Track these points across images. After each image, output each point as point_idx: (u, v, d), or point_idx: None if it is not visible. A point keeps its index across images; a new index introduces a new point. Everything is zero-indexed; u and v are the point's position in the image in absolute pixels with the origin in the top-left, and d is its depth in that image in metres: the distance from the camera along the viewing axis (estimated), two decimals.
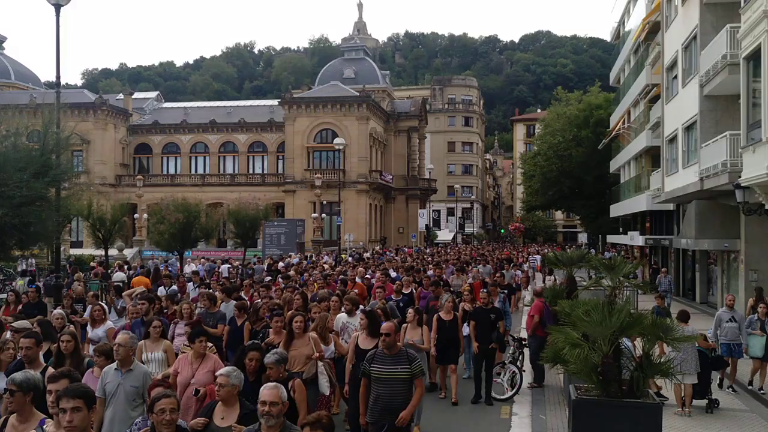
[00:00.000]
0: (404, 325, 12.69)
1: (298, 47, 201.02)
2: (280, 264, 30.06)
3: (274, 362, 8.21)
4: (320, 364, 10.20)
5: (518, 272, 30.29)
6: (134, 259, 40.36)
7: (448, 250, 54.94)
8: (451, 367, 13.88)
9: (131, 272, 27.78)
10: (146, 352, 10.13)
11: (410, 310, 13.01)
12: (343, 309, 12.92)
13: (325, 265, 29.50)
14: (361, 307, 13.74)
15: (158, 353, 10.16)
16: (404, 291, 17.60)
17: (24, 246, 19.68)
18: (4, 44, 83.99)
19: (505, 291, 19.45)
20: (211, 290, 16.45)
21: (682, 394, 13.26)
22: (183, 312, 12.81)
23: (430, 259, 36.01)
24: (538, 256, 30.33)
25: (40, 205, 17.98)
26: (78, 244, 52.91)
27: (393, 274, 24.23)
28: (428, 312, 15.15)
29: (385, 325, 8.86)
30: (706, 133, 25.42)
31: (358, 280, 21.52)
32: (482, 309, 14.23)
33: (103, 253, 35.14)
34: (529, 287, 31.15)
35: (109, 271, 30.40)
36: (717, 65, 23.20)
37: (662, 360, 9.56)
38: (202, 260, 36.10)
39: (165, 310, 14.44)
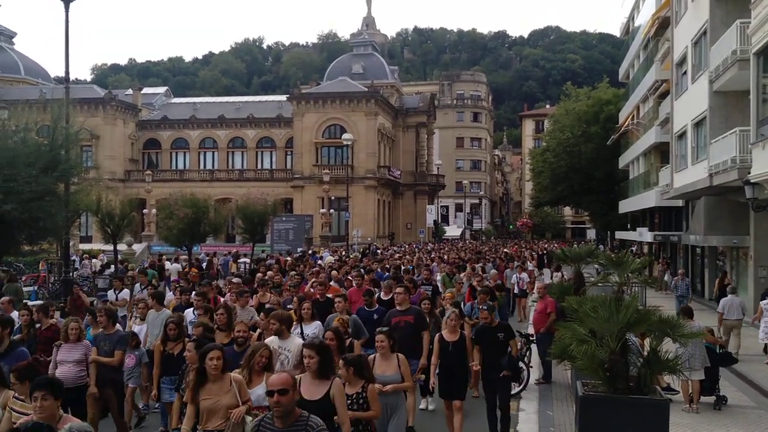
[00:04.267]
0: (371, 356, 8.86)
1: (306, 43, 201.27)
2: (288, 259, 29.94)
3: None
4: (249, 420, 7.10)
5: (524, 275, 25.78)
6: (143, 254, 40.47)
7: (435, 246, 53.14)
8: (455, 404, 10.70)
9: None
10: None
11: (380, 335, 8.95)
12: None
13: (320, 263, 28.07)
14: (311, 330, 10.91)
15: None
16: (383, 297, 14.01)
17: (33, 241, 19.76)
18: (14, 39, 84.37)
19: (502, 293, 17.04)
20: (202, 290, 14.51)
21: (690, 391, 13.23)
22: (69, 332, 10.29)
23: (433, 255, 35.05)
24: (525, 275, 26.05)
25: (49, 200, 18.04)
26: (87, 239, 53.13)
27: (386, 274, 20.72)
28: (413, 328, 11.59)
29: (275, 379, 5.86)
30: (715, 129, 25.32)
31: (333, 283, 17.36)
32: (487, 327, 11.22)
33: (112, 248, 35.23)
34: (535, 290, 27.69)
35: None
36: (727, 61, 23.09)
37: (669, 356, 9.54)
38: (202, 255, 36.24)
39: (37, 326, 11.58)
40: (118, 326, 12.29)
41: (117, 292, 17.60)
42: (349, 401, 7.41)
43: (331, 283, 17.42)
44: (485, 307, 11.47)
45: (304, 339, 10.16)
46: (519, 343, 14.98)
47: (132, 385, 11.19)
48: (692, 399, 13.21)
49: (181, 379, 8.66)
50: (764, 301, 17.92)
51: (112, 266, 30.88)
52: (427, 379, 11.97)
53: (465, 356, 10.78)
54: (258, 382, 7.82)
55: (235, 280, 18.12)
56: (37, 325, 11.67)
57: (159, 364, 10.34)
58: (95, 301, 16.40)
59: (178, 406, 8.57)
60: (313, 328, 10.89)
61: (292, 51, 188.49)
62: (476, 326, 11.95)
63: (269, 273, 20.05)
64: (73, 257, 32.37)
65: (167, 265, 30.87)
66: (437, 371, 10.92)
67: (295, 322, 11.04)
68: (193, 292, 14.23)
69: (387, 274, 20.73)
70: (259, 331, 10.78)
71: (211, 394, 7.29)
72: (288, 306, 12.68)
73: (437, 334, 10.95)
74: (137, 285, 18.73)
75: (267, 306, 12.73)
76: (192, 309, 12.87)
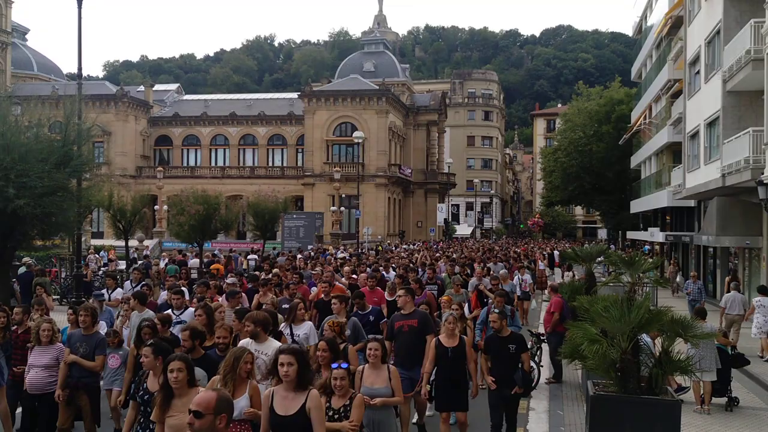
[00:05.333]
0: (359, 367, 8.35)
1: (318, 40, 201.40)
2: (299, 257, 29.88)
3: None
4: None
5: (526, 276, 24.46)
6: (155, 250, 40.59)
7: (442, 245, 52.02)
8: (459, 417, 9.94)
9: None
10: None
11: (373, 342, 8.29)
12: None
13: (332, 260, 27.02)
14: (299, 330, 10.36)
15: None
16: (388, 298, 13.94)
17: (45, 236, 19.85)
18: (26, 36, 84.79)
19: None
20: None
21: (701, 392, 13.17)
22: (41, 333, 9.77)
23: (438, 255, 33.69)
24: (527, 276, 24.77)
25: (61, 196, 18.09)
26: (99, 235, 53.33)
27: (392, 273, 20.12)
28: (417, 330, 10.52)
29: (197, 398, 4.92)
30: (728, 129, 25.19)
31: (343, 280, 17.29)
32: (497, 337, 10.18)
33: (123, 244, 35.38)
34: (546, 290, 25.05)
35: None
36: (740, 60, 22.95)
37: (681, 357, 9.49)
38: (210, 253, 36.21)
39: (12, 328, 10.86)
40: (102, 324, 11.91)
41: (110, 291, 16.51)
42: (336, 416, 6.89)
43: (343, 279, 17.14)
44: (497, 311, 10.42)
45: (294, 340, 9.84)
46: (530, 342, 14.92)
47: (117, 389, 10.29)
48: (704, 400, 13.15)
49: (136, 386, 7.82)
50: (756, 298, 18.43)
51: (122, 263, 30.88)
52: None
53: (465, 363, 9.75)
54: (241, 392, 7.13)
55: (229, 280, 17.27)
56: (13, 327, 10.90)
57: (131, 369, 9.52)
58: (92, 300, 15.32)
59: (131, 419, 7.67)
60: (304, 330, 10.33)
61: (304, 49, 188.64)
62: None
63: (274, 271, 19.27)
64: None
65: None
66: (432, 379, 9.87)
67: (284, 323, 10.54)
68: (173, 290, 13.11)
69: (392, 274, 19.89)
70: (233, 334, 9.63)
71: (176, 411, 6.28)
72: (284, 306, 11.87)
73: (434, 339, 9.91)
74: (127, 283, 17.99)
75: (264, 306, 12.02)
76: (171, 309, 12.05)
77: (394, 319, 10.81)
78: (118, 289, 16.63)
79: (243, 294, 14.05)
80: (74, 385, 9.68)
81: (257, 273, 19.31)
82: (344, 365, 7.04)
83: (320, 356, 7.67)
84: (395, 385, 8.12)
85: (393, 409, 8.32)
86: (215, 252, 36.23)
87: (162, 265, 27.96)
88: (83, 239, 28.19)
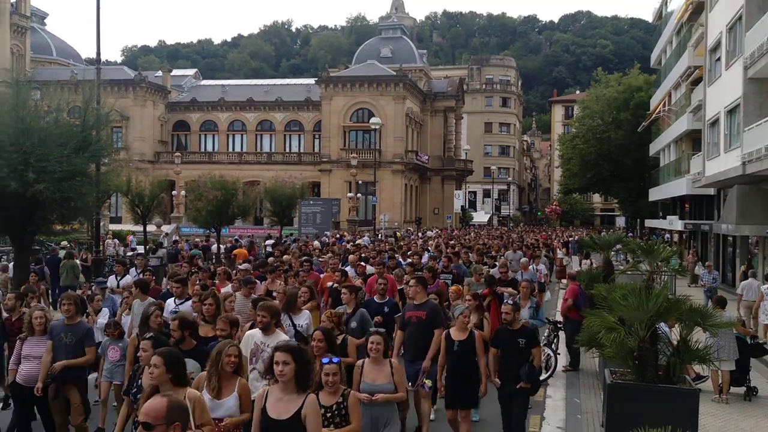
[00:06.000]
0: (359, 362, 7.86)
1: (335, 26, 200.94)
2: (316, 243, 29.85)
3: None
4: None
5: (541, 266, 22.77)
6: (172, 235, 40.84)
7: (458, 233, 51.03)
8: (461, 413, 9.26)
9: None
10: None
11: (376, 335, 7.77)
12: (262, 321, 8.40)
13: (347, 246, 26.49)
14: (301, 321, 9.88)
15: None
16: (398, 286, 13.52)
17: (65, 220, 20.00)
18: (45, 20, 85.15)
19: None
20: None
21: (720, 381, 13.10)
22: (34, 322, 9.24)
23: (453, 242, 31.66)
24: (542, 266, 23.05)
25: (80, 180, 18.22)
26: (117, 220, 53.77)
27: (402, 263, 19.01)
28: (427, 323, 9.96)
29: (146, 406, 4.57)
30: (749, 117, 24.94)
31: (350, 271, 16.17)
32: (507, 330, 9.53)
33: (141, 229, 35.61)
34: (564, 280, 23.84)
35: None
36: (762, 47, 22.68)
37: (699, 346, 9.44)
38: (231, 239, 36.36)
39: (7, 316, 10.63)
40: (105, 312, 11.79)
41: (119, 277, 15.80)
42: (329, 414, 6.34)
43: (349, 269, 16.32)
44: (510, 302, 9.73)
45: (296, 330, 9.59)
46: (547, 330, 14.89)
47: (117, 382, 9.84)
48: (722, 389, 13.09)
49: (131, 382, 7.56)
50: (765, 286, 18.65)
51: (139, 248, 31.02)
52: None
53: (475, 358, 9.21)
54: (229, 391, 6.62)
55: (243, 266, 16.51)
56: (6, 315, 10.58)
57: (131, 361, 8.99)
58: (93, 288, 14.67)
59: (124, 414, 7.41)
60: (304, 319, 9.93)
61: (321, 34, 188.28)
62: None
63: (285, 257, 18.88)
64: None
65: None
66: (444, 375, 9.39)
67: (283, 312, 9.97)
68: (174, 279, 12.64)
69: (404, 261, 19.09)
70: (249, 323, 9.35)
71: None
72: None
73: (444, 332, 9.45)
74: (132, 269, 17.38)
75: (274, 294, 11.46)
76: (173, 298, 11.49)
77: (406, 309, 10.46)
78: (127, 276, 15.86)
79: (258, 282, 13.43)
80: (61, 378, 9.09)
81: (267, 259, 18.47)
82: (335, 359, 6.47)
83: (315, 347, 7.33)
84: (398, 380, 7.64)
85: (396, 405, 7.85)
86: (236, 237, 36.41)
87: (160, 252, 28.08)
88: (102, 224, 28.42)
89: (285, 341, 6.58)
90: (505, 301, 10.13)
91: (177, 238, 36.74)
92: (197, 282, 13.07)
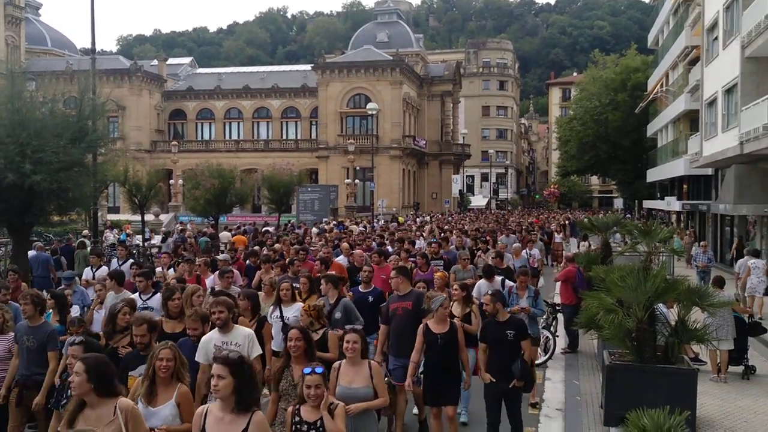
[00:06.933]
0: (336, 363, 7.16)
1: (331, 11, 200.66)
2: (314, 230, 29.53)
3: None
4: None
5: (535, 251, 22.03)
6: (170, 224, 40.83)
7: (455, 217, 50.14)
8: (447, 410, 8.49)
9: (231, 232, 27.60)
10: None
11: (352, 334, 7.08)
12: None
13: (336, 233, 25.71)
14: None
15: None
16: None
17: (62, 211, 19.95)
18: (39, 11, 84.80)
19: (501, 276, 13.20)
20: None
21: (718, 361, 13.14)
22: None
23: (448, 227, 31.01)
24: (536, 251, 22.43)
25: (77, 171, 18.16)
26: (115, 210, 53.71)
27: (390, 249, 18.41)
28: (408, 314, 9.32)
29: None
30: (747, 96, 24.87)
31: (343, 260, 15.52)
32: (494, 322, 8.85)
33: (139, 218, 35.59)
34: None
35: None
36: (759, 26, 22.60)
37: (698, 326, 9.47)
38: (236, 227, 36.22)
39: None
40: (76, 309, 10.82)
41: (94, 269, 14.74)
42: (313, 430, 5.77)
43: (340, 258, 15.73)
44: (491, 293, 9.09)
45: (284, 323, 9.07)
46: (545, 313, 14.83)
47: None
48: (720, 369, 13.13)
49: (60, 392, 6.90)
50: (752, 261, 19.02)
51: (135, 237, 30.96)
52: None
53: (457, 351, 8.51)
54: (165, 399, 5.90)
55: (221, 257, 15.77)
56: None
57: (59, 370, 8.11)
58: (62, 281, 13.34)
59: (54, 428, 6.80)
60: (294, 311, 9.34)
61: (317, 20, 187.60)
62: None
63: (277, 246, 18.12)
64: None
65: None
66: (421, 371, 8.68)
67: (272, 305, 9.65)
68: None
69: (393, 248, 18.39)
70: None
71: (87, 423, 5.06)
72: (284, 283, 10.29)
73: (421, 325, 8.62)
74: (114, 260, 16.32)
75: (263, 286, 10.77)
76: (139, 293, 10.43)
77: (390, 301, 9.71)
78: (103, 268, 14.85)
79: (235, 272, 12.81)
80: (24, 383, 8.35)
81: (256, 248, 17.41)
82: (318, 369, 5.80)
83: (293, 347, 6.60)
84: (378, 384, 6.90)
85: (374, 411, 7.12)
86: (237, 225, 36.34)
87: (155, 241, 27.96)
88: (99, 214, 28.39)
89: (224, 353, 5.67)
90: (486, 294, 9.39)
91: (187, 226, 36.53)
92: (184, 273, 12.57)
